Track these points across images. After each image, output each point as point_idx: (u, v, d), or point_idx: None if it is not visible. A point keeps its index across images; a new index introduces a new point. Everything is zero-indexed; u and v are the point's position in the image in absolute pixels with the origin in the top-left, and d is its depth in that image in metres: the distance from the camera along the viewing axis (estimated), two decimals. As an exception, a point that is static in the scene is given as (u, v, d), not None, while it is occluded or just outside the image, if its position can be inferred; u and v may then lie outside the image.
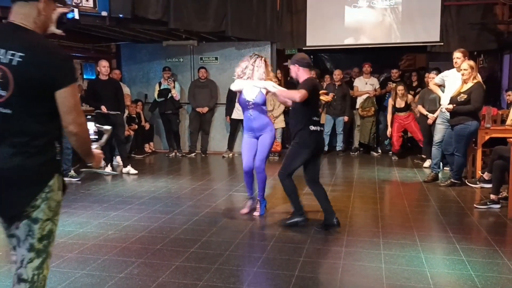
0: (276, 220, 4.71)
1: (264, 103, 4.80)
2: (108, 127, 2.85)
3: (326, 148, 9.11)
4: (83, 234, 4.28)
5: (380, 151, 9.08)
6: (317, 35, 9.24)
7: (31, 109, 1.96)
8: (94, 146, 2.32)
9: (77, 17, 2.33)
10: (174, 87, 8.86)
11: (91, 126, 2.67)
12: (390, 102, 8.24)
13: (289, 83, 10.35)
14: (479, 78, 5.92)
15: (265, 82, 4.58)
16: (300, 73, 4.42)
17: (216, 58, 9.45)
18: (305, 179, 4.50)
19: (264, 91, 4.67)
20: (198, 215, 4.90)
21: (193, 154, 9.17)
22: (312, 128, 4.31)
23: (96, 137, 2.52)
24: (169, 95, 8.83)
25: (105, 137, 2.69)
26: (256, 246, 3.98)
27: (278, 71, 9.32)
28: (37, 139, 1.99)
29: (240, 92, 4.78)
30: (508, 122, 6.34)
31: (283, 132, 9.24)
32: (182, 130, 9.46)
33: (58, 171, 2.10)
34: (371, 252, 3.78)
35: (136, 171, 7.24)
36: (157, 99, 8.98)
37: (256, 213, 4.82)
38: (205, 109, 8.98)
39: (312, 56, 12.37)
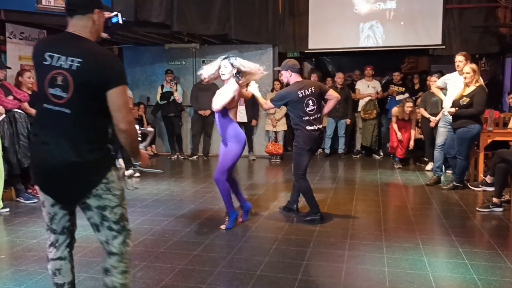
0: (278, 223, 4.71)
1: (223, 111, 4.39)
2: (151, 129, 2.96)
3: (328, 151, 9.13)
4: (86, 237, 4.27)
5: (382, 154, 9.08)
6: (319, 38, 9.25)
7: (87, 109, 2.22)
8: (140, 146, 2.52)
9: (120, 21, 2.57)
10: (176, 90, 8.87)
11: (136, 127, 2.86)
12: (395, 113, 7.91)
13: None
14: (481, 81, 5.93)
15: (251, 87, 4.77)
16: (291, 78, 4.80)
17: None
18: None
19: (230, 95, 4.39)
20: (201, 218, 4.90)
21: (195, 156, 9.18)
22: (309, 127, 4.64)
23: (140, 139, 2.63)
24: (172, 98, 8.85)
25: (148, 138, 2.85)
26: (259, 249, 3.99)
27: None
28: (93, 136, 2.26)
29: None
30: (510, 125, 6.33)
31: (285, 135, 9.25)
32: (184, 133, 9.46)
33: (113, 164, 2.38)
34: (374, 256, 3.78)
35: (138, 174, 7.22)
36: (159, 102, 9.00)
37: (222, 226, 4.49)
38: (208, 112, 8.98)
39: (314, 59, 12.41)
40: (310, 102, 4.67)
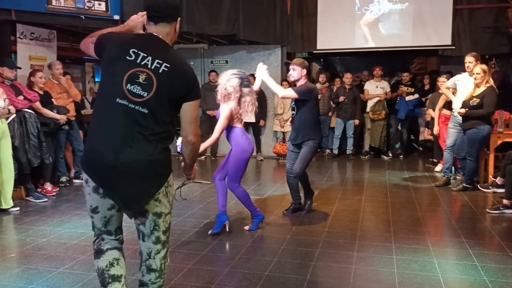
0: (287, 223, 4.70)
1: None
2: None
3: (336, 152, 9.10)
4: (95, 236, 4.30)
5: (390, 154, 9.04)
6: (328, 39, 9.23)
7: (163, 112, 2.21)
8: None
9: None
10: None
11: (179, 141, 2.94)
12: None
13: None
14: (491, 82, 5.88)
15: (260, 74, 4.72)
16: (302, 78, 4.89)
17: (227, 62, 9.48)
18: (291, 172, 4.91)
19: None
20: (209, 218, 4.91)
21: (203, 157, 9.19)
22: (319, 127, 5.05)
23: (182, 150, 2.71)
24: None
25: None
26: (268, 250, 3.98)
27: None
28: (163, 138, 2.24)
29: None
30: (521, 126, 6.28)
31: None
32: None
33: (171, 167, 2.35)
34: (384, 257, 3.76)
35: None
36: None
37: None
38: (215, 112, 8.99)
39: (322, 60, 12.40)
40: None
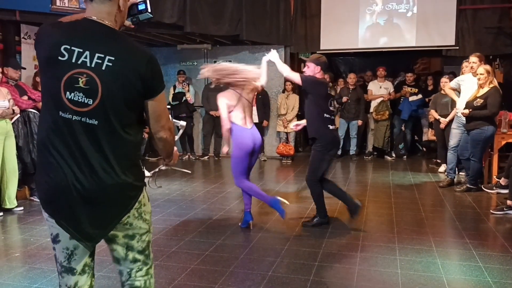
0: (290, 224, 4.70)
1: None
2: (183, 123, 2.90)
3: (339, 152, 9.10)
4: (99, 236, 4.32)
5: (394, 155, 9.02)
6: (331, 39, 9.22)
7: (119, 119, 1.76)
8: None
9: (149, 10, 2.06)
10: (188, 90, 8.91)
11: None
12: None
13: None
14: (495, 82, 5.87)
15: (270, 55, 4.61)
16: (317, 75, 4.51)
17: (230, 62, 9.47)
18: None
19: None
20: (212, 218, 4.91)
21: (207, 157, 9.20)
22: (330, 127, 4.53)
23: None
24: (184, 98, 8.89)
25: (180, 132, 2.72)
26: (271, 250, 3.98)
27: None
28: (126, 151, 1.81)
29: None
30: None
31: (296, 136, 9.24)
32: (195, 133, 9.50)
33: (144, 183, 1.95)
34: (387, 258, 3.75)
35: (150, 174, 7.28)
36: (171, 103, 9.04)
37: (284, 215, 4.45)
38: (218, 113, 9.00)
39: (325, 60, 12.38)
40: (332, 103, 4.61)
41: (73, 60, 1.72)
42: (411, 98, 8.65)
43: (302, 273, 3.44)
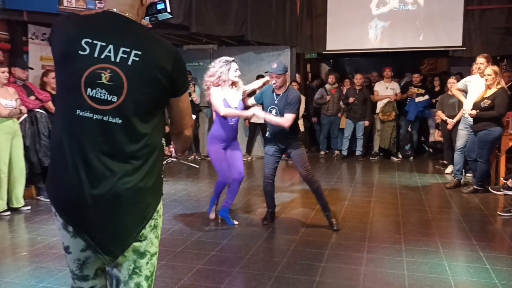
0: (295, 224, 4.69)
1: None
2: (193, 116, 2.92)
3: (345, 153, 9.08)
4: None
5: (400, 156, 8.99)
6: (337, 39, 9.21)
7: (143, 119, 1.63)
8: None
9: (168, 10, 1.92)
10: (194, 90, 8.92)
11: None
12: None
13: (308, 87, 10.37)
14: (503, 83, 5.84)
15: (255, 109, 4.56)
16: (287, 80, 4.56)
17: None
18: (271, 179, 4.71)
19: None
20: (218, 218, 4.91)
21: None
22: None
23: None
24: (189, 98, 8.89)
25: None
26: (277, 250, 3.98)
27: (298, 75, 9.32)
28: (150, 153, 1.67)
29: (224, 99, 4.47)
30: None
31: (301, 137, 9.23)
32: (201, 134, 9.51)
33: (162, 192, 1.80)
34: (393, 259, 3.74)
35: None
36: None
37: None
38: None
39: (332, 60, 12.38)
40: None
41: (95, 55, 1.59)
42: (417, 99, 8.62)
43: (308, 273, 3.43)
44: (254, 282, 3.29)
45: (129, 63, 1.59)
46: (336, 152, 9.39)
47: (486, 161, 5.90)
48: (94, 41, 1.59)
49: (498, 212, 5.06)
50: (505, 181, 5.92)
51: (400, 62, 10.34)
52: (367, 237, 4.28)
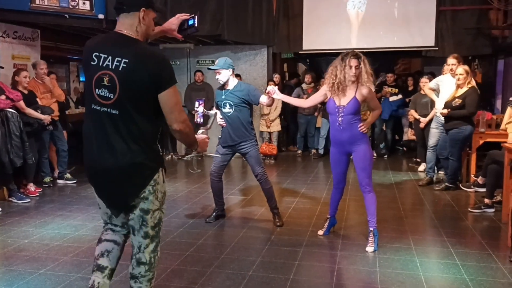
0: (271, 223, 4.71)
1: (356, 112, 4.01)
2: (213, 112, 3.03)
3: (322, 152, 9.15)
4: (79, 237, 4.27)
5: (375, 154, 9.10)
6: (314, 39, 9.28)
7: (135, 110, 2.18)
8: (200, 131, 2.59)
9: (196, 24, 2.63)
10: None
11: (200, 109, 3.13)
12: None
13: (285, 85, 10.41)
14: (473, 83, 5.96)
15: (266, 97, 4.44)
16: (232, 77, 4.60)
17: (213, 61, 9.43)
18: (216, 176, 4.78)
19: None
20: (194, 218, 4.90)
21: (189, 156, 9.17)
22: None
23: (201, 121, 2.99)
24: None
25: (210, 121, 2.87)
26: (252, 250, 3.99)
27: (276, 75, 9.34)
28: (143, 137, 2.22)
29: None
30: (502, 126, 6.37)
31: (279, 135, 9.27)
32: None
33: (162, 165, 2.35)
34: (366, 256, 3.80)
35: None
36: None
37: (370, 248, 3.94)
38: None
39: (308, 60, 12.45)
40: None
41: (100, 64, 2.20)
42: (391, 98, 8.75)
43: (282, 272, 3.46)
44: (228, 281, 3.30)
45: (120, 69, 2.15)
46: (313, 151, 9.46)
47: (457, 159, 6.03)
48: (100, 54, 2.21)
49: (469, 209, 5.18)
50: (475, 179, 6.07)
51: (375, 62, 10.44)
52: (341, 235, 4.33)
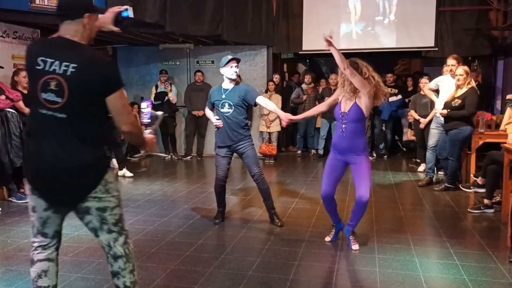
0: (271, 224, 4.70)
1: (360, 119, 3.84)
2: (160, 113, 3.07)
3: (321, 152, 9.16)
4: (78, 237, 4.28)
5: (375, 155, 9.11)
6: (313, 40, 9.26)
7: (84, 113, 2.21)
8: (147, 131, 2.63)
9: (131, 15, 2.56)
10: (171, 90, 8.87)
11: (147, 110, 3.19)
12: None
13: (287, 85, 10.41)
14: (473, 83, 5.97)
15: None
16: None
17: (213, 62, 9.47)
18: (224, 181, 4.78)
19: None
20: (194, 218, 4.90)
21: (189, 157, 9.17)
22: None
23: (149, 121, 3.01)
24: (166, 98, 8.84)
25: (157, 122, 2.94)
26: (251, 250, 3.99)
27: (276, 76, 9.34)
28: (92, 139, 2.26)
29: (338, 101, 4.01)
30: (501, 127, 6.37)
31: (279, 136, 9.28)
32: (178, 133, 9.47)
33: (109, 165, 2.39)
34: (366, 256, 3.80)
35: (131, 174, 7.25)
36: (153, 102, 8.98)
37: (357, 246, 3.99)
38: (201, 113, 8.97)
39: (308, 60, 12.45)
40: None
41: (46, 68, 2.18)
42: (391, 99, 8.75)
43: (282, 272, 3.46)
44: (228, 282, 3.30)
45: (68, 73, 2.16)
46: (313, 151, 9.46)
47: (457, 159, 6.03)
48: (46, 59, 2.20)
49: (468, 209, 5.18)
50: (475, 179, 6.07)
51: (374, 62, 10.45)
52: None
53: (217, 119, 4.60)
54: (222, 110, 4.57)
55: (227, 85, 4.59)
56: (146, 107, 3.33)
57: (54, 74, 2.17)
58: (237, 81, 4.62)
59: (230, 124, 4.56)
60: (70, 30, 2.26)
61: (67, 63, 2.16)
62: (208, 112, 4.79)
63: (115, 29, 2.53)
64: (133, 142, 2.56)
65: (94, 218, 2.32)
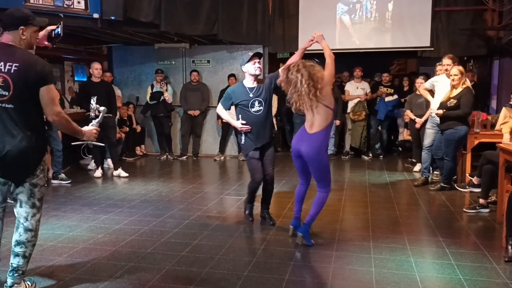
0: (267, 224, 4.70)
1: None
2: (103, 108, 3.33)
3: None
4: (73, 237, 4.25)
5: (371, 155, 9.12)
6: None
7: (27, 104, 2.77)
8: (93, 123, 3.10)
9: (61, 33, 3.11)
10: (166, 90, 8.84)
11: (94, 105, 3.51)
12: None
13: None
14: (468, 83, 5.98)
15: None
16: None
17: (208, 61, 9.45)
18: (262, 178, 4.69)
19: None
20: (189, 218, 4.89)
21: (185, 157, 9.15)
22: None
23: (94, 115, 3.39)
24: (161, 98, 8.81)
25: (101, 116, 3.25)
26: (247, 250, 3.98)
27: (270, 75, 9.33)
28: (36, 126, 2.82)
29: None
30: (497, 127, 6.40)
31: (274, 136, 9.26)
32: (173, 133, 9.44)
33: (47, 148, 3.01)
34: (361, 256, 3.79)
35: (127, 174, 7.22)
36: (149, 102, 8.96)
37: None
38: (197, 112, 8.97)
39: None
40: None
41: None
42: (387, 99, 8.77)
43: (277, 272, 3.45)
44: (223, 282, 3.29)
45: (12, 71, 2.73)
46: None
47: (452, 159, 6.04)
48: None
49: (464, 209, 5.19)
50: (470, 179, 6.09)
51: (370, 62, 10.48)
52: (336, 235, 4.32)
53: (242, 124, 4.44)
54: (252, 110, 4.43)
55: (250, 83, 4.47)
56: (94, 102, 3.57)
57: (1, 72, 2.73)
58: (259, 79, 4.54)
59: (263, 123, 4.46)
60: (9, 39, 2.81)
61: (10, 63, 2.73)
62: (225, 114, 4.61)
63: (48, 44, 3.08)
64: (65, 131, 3.03)
65: (25, 190, 2.84)
